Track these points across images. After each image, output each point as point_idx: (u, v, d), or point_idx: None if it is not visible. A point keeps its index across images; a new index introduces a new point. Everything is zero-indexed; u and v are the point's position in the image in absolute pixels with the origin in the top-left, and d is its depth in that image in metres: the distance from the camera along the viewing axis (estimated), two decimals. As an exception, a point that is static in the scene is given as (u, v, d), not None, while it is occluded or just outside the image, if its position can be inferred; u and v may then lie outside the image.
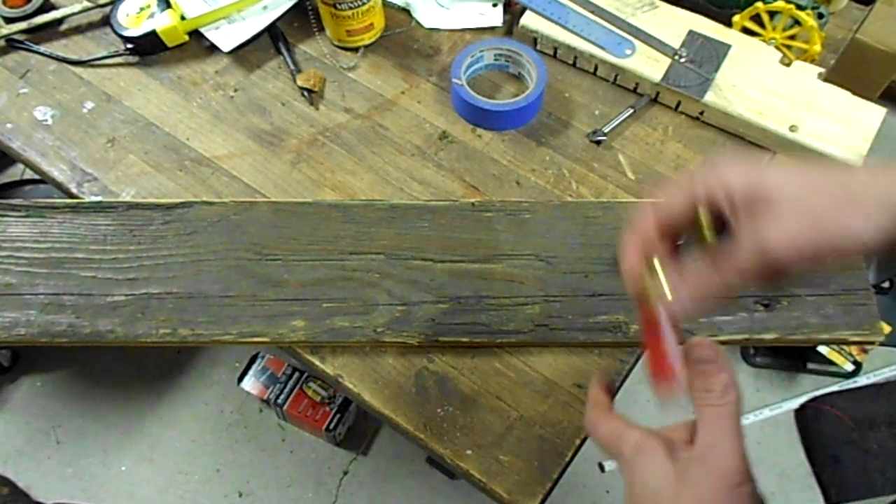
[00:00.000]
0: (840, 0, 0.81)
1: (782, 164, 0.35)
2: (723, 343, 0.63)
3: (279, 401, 1.31)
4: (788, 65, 0.74)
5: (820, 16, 0.76)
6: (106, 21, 0.84)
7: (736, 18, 0.78)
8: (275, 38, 0.83)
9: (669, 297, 0.38)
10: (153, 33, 0.80)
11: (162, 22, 0.80)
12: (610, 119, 0.76)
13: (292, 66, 0.81)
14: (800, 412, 1.44)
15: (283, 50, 0.82)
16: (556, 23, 0.79)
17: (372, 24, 0.81)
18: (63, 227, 0.68)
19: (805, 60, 0.75)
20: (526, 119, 0.76)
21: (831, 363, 1.42)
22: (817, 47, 0.75)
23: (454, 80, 0.75)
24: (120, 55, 0.82)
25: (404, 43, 0.84)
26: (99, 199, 0.72)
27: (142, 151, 0.76)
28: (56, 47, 0.83)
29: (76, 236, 0.68)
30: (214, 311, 0.63)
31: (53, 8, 0.84)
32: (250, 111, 0.79)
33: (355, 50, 0.83)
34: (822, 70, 0.74)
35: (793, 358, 1.47)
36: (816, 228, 0.34)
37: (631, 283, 0.39)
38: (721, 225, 0.37)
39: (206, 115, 0.78)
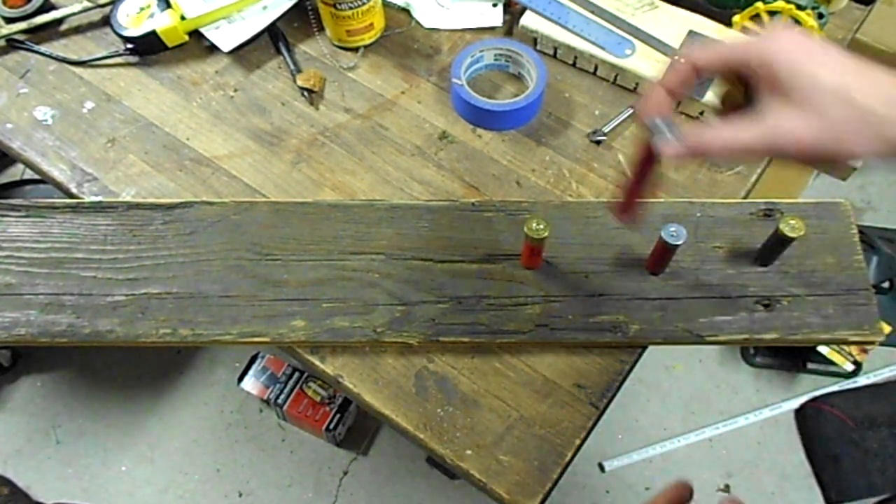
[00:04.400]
0: (840, 0, 0.81)
1: (834, 51, 0.38)
2: (723, 343, 0.63)
3: (279, 401, 1.31)
4: (788, 65, 0.74)
5: (820, 16, 0.76)
6: (106, 21, 0.84)
7: (736, 18, 0.78)
8: (275, 38, 0.83)
9: (669, 137, 0.41)
10: (153, 33, 0.80)
11: (162, 22, 0.80)
12: (610, 119, 0.76)
13: (292, 66, 0.81)
14: (800, 412, 1.44)
15: (283, 50, 0.82)
16: (556, 23, 0.79)
17: (372, 24, 0.81)
18: (63, 227, 0.68)
19: (805, 60, 0.75)
20: (526, 119, 0.76)
21: (831, 363, 1.42)
22: (817, 47, 0.75)
23: (454, 80, 0.75)
24: (120, 55, 0.82)
25: (404, 43, 0.84)
26: (99, 199, 0.72)
27: (142, 151, 0.76)
28: (56, 47, 0.83)
29: (76, 236, 0.68)
30: (214, 311, 0.63)
31: (53, 8, 0.84)
32: (250, 111, 0.79)
33: (355, 50, 0.83)
34: (822, 70, 0.74)
35: (793, 358, 1.47)
36: (829, 139, 0.37)
37: (644, 115, 0.42)
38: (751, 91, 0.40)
39: (206, 115, 0.78)
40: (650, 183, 0.44)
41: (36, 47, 0.83)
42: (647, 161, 0.43)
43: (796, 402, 1.44)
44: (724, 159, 0.40)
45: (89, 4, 0.83)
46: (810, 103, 0.37)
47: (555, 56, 0.81)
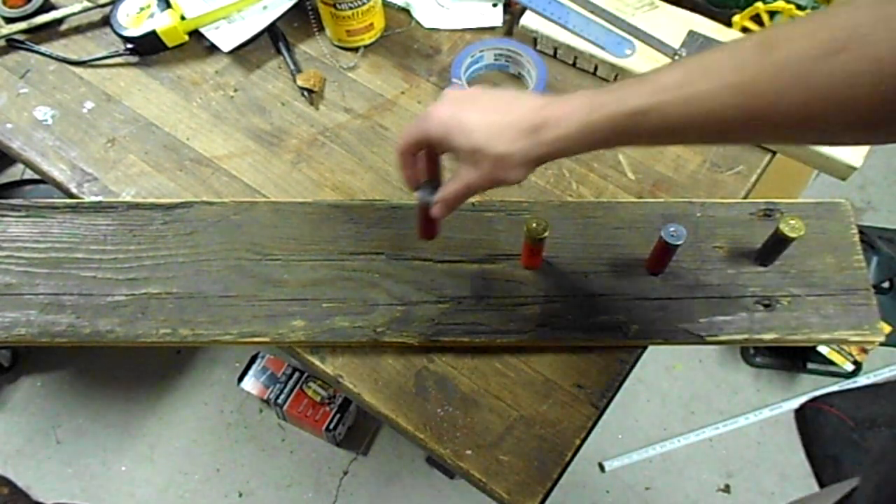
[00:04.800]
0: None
1: (477, 107, 0.49)
2: (723, 343, 0.63)
3: (279, 401, 1.31)
4: (788, 65, 0.74)
5: (820, 16, 0.76)
6: (106, 21, 0.84)
7: (736, 18, 0.78)
8: (275, 38, 0.83)
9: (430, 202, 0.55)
10: (153, 33, 0.80)
11: (162, 22, 0.80)
12: (610, 119, 0.76)
13: (292, 66, 0.81)
14: (800, 412, 1.44)
15: (283, 50, 0.82)
16: (556, 23, 0.79)
17: (372, 24, 0.81)
18: (63, 227, 0.68)
19: (805, 60, 0.75)
20: (526, 119, 0.76)
21: (831, 363, 1.42)
22: (817, 47, 0.75)
23: (454, 80, 0.75)
24: (120, 55, 0.82)
25: (404, 43, 0.84)
26: (99, 199, 0.72)
27: (142, 151, 0.76)
28: (56, 47, 0.83)
29: (76, 236, 0.68)
30: (214, 311, 0.63)
31: (53, 8, 0.84)
32: (250, 111, 0.79)
33: (355, 50, 0.83)
34: (822, 70, 0.74)
35: (793, 358, 1.47)
36: (494, 178, 0.49)
37: (409, 187, 0.56)
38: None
39: (206, 115, 0.78)
40: (435, 221, 0.57)
41: (36, 47, 0.83)
42: (425, 211, 0.55)
43: (796, 402, 1.44)
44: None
45: (89, 4, 0.83)
46: (468, 159, 0.49)
47: (555, 56, 0.81)
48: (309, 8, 0.84)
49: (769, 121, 0.39)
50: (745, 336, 0.62)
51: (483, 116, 0.48)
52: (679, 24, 0.77)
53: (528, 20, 0.80)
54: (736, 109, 0.39)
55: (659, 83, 0.42)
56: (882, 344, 0.62)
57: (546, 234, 0.58)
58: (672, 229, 0.58)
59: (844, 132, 0.39)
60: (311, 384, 1.33)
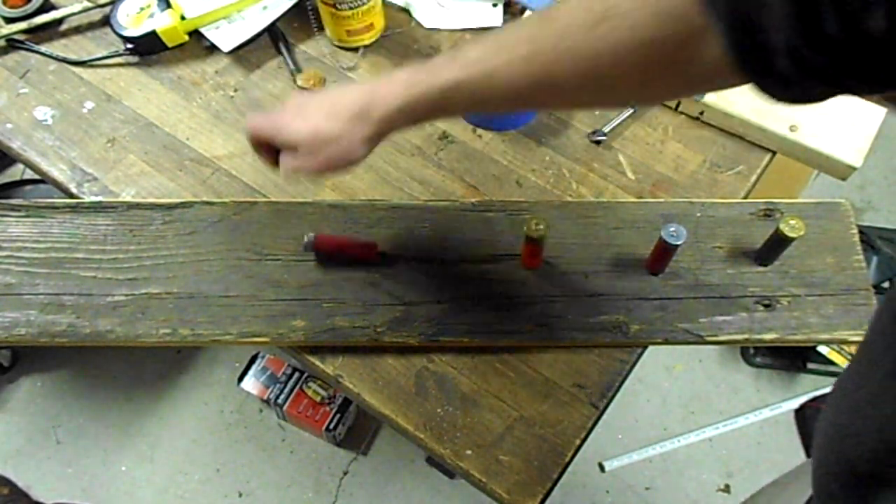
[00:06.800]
0: (840, 0, 0.81)
1: (313, 103, 0.52)
2: (723, 343, 0.63)
3: (279, 401, 1.31)
4: (788, 65, 0.74)
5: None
6: (106, 21, 0.84)
7: (736, 18, 0.78)
8: (275, 38, 0.83)
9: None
10: (153, 33, 0.80)
11: (162, 22, 0.80)
12: (610, 119, 0.76)
13: (292, 66, 0.81)
14: (800, 412, 1.44)
15: (283, 50, 0.82)
16: (556, 23, 0.79)
17: (372, 24, 0.81)
18: (63, 227, 0.68)
19: (805, 60, 0.75)
20: (526, 119, 0.76)
21: (831, 363, 1.42)
22: (817, 47, 0.75)
23: (454, 80, 0.75)
24: (120, 55, 0.82)
25: (404, 43, 0.84)
26: (99, 199, 0.72)
27: (142, 151, 0.76)
28: (56, 47, 0.83)
29: (76, 236, 0.68)
30: (214, 311, 0.63)
31: (53, 8, 0.84)
32: (250, 111, 0.79)
33: (355, 50, 0.83)
34: (822, 70, 0.74)
35: (793, 358, 1.47)
36: (334, 156, 0.52)
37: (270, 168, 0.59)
38: None
39: (206, 115, 0.78)
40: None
41: (36, 47, 0.83)
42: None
43: (796, 402, 1.44)
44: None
45: (89, 4, 0.84)
46: (309, 145, 0.51)
47: (555, 56, 0.81)
48: (309, 8, 0.84)
49: (560, 86, 0.42)
50: (745, 336, 0.62)
51: (321, 104, 0.52)
52: (679, 24, 0.77)
53: (528, 20, 0.80)
54: (529, 78, 0.42)
55: (464, 59, 0.45)
56: (882, 344, 0.62)
57: (546, 233, 0.58)
58: (672, 229, 0.58)
59: (629, 93, 0.43)
60: (311, 384, 1.33)
